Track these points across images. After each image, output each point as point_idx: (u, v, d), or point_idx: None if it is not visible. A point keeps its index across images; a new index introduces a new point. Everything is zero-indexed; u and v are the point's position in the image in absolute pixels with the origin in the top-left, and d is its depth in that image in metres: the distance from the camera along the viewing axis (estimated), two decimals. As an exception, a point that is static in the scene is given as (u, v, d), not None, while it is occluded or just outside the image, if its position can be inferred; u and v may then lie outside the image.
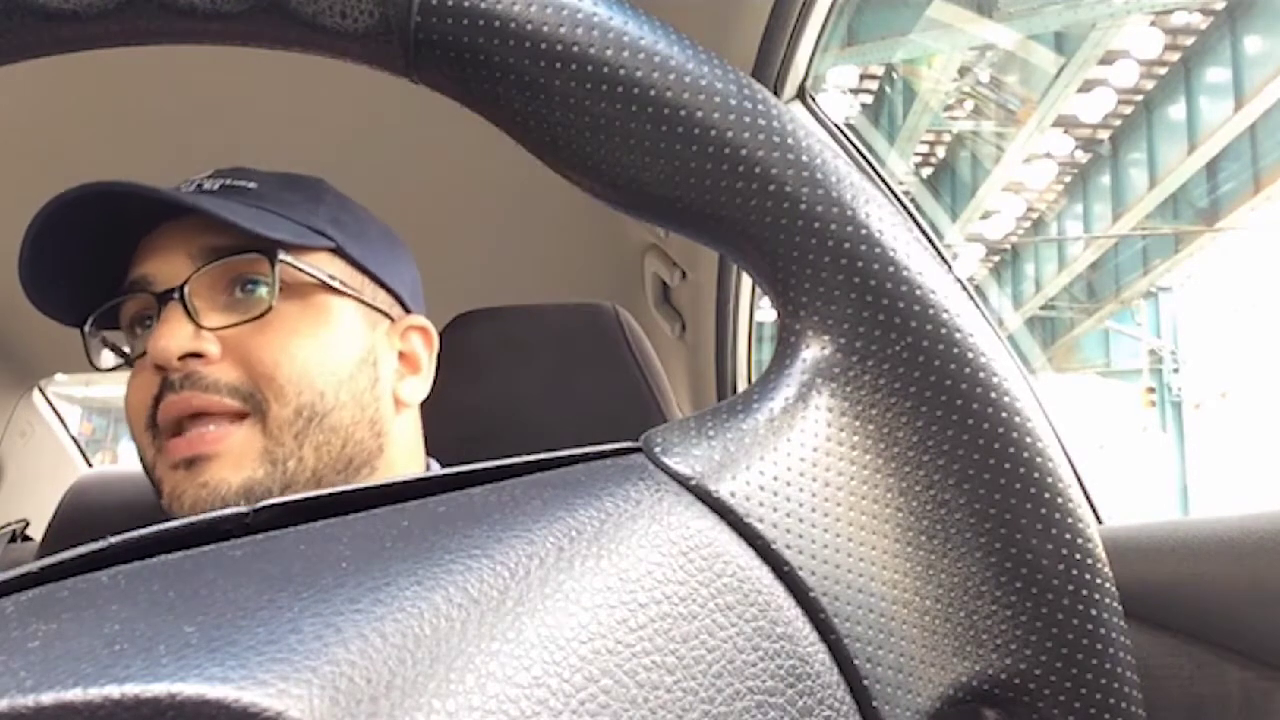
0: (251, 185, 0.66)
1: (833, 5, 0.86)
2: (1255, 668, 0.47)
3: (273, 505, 0.21)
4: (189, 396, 0.60)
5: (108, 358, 0.68)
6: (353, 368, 0.65)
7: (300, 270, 0.64)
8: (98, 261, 0.65)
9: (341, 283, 0.66)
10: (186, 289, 0.61)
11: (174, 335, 0.60)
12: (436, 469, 0.84)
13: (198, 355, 0.61)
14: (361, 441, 0.65)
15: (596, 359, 0.92)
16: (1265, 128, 7.47)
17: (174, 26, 0.25)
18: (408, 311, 0.72)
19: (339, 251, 0.67)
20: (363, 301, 0.67)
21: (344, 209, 0.70)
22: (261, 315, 0.62)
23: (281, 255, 0.63)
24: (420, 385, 0.71)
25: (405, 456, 0.70)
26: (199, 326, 0.61)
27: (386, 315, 0.69)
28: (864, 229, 0.24)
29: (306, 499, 0.21)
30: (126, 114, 1.11)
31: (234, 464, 0.60)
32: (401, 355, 0.70)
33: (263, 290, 0.63)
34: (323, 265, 0.66)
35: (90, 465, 1.93)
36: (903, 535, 0.24)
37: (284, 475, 0.61)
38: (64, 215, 0.61)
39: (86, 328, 0.66)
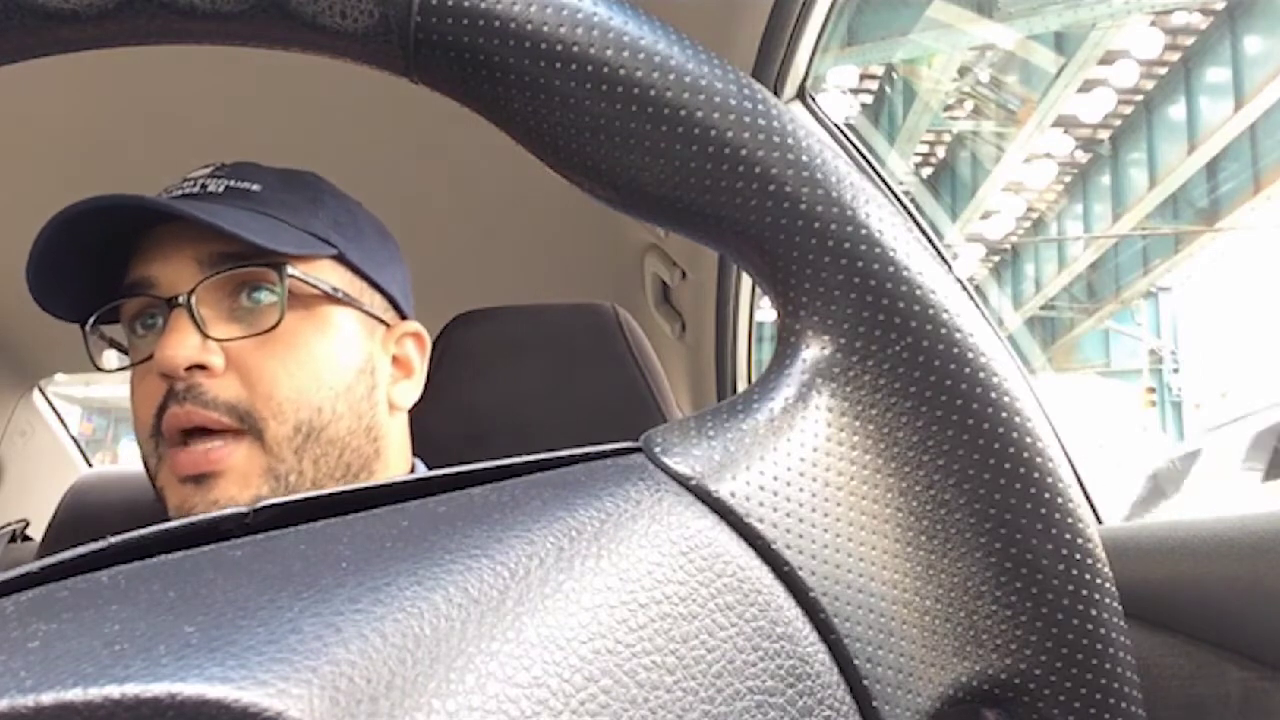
0: (255, 188, 0.65)
1: (833, 5, 0.86)
2: (1255, 668, 0.47)
3: (272, 505, 0.21)
4: (190, 411, 0.61)
5: (111, 358, 0.68)
6: (351, 378, 0.65)
7: (306, 283, 0.64)
8: (98, 261, 0.65)
9: (344, 293, 0.66)
10: (194, 297, 0.61)
11: (181, 345, 0.60)
12: (422, 469, 0.82)
13: (202, 367, 0.61)
14: (359, 449, 0.66)
15: (596, 359, 0.92)
16: (1265, 128, 7.46)
17: (174, 26, 0.25)
18: (402, 315, 0.72)
19: (340, 258, 0.67)
20: (362, 310, 0.67)
21: (343, 209, 0.70)
22: (268, 330, 0.62)
23: (289, 269, 0.63)
24: (412, 389, 0.72)
25: (398, 457, 0.71)
26: (206, 336, 0.61)
27: (382, 321, 0.70)
28: (864, 229, 0.24)
29: (306, 499, 0.21)
30: (125, 113, 1.11)
31: (240, 481, 0.61)
32: (395, 360, 0.71)
33: (270, 303, 0.63)
34: (326, 275, 0.65)
35: (90, 465, 1.93)
36: (903, 535, 0.23)
37: (286, 489, 0.62)
38: (69, 228, 0.61)
39: (87, 327, 0.66)
